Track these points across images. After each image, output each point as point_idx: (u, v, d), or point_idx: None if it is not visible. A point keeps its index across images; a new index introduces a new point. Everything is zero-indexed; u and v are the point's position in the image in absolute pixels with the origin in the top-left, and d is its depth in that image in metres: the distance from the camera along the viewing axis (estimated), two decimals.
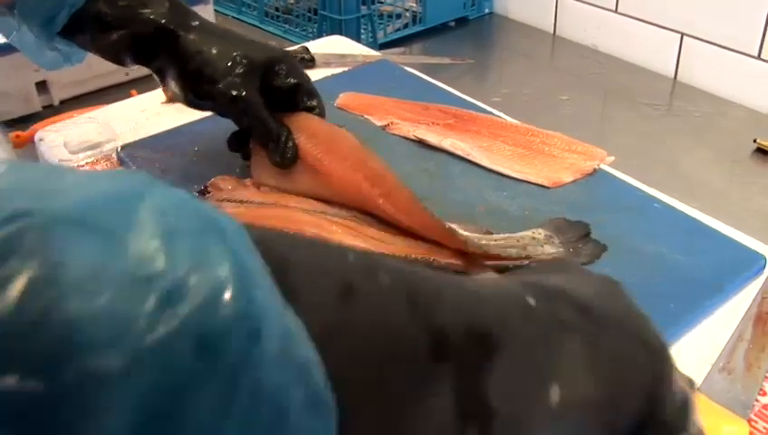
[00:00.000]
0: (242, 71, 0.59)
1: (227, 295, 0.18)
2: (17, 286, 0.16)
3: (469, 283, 0.29)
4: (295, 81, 0.64)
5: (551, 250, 0.57)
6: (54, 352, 0.15)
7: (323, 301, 0.22)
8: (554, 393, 0.26)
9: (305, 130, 0.62)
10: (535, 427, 0.26)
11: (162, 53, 0.60)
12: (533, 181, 0.66)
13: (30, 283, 0.16)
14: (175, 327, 0.16)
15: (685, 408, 0.32)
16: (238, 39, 0.62)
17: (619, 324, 0.31)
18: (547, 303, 0.28)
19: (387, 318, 0.23)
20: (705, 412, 0.45)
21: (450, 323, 0.25)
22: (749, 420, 0.45)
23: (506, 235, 0.58)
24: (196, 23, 0.61)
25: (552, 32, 1.25)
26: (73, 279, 0.16)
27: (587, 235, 0.59)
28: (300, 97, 0.65)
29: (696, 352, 0.50)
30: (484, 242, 0.56)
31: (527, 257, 0.56)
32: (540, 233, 0.58)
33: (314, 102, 0.66)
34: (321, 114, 0.66)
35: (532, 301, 0.28)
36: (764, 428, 0.45)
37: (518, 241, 0.57)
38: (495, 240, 0.57)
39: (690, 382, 0.34)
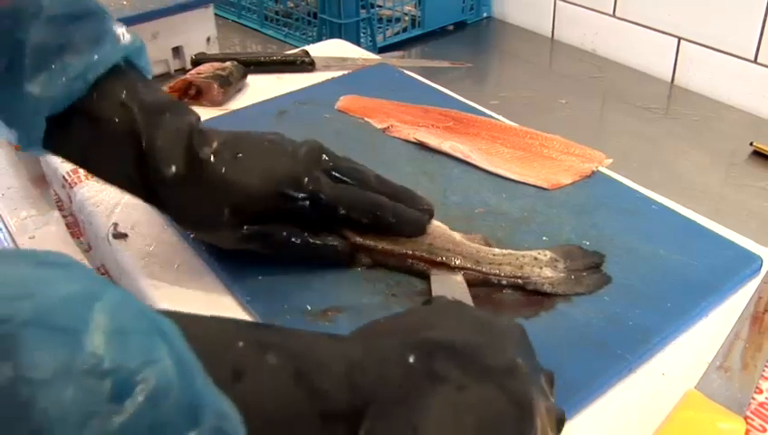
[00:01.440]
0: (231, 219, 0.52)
1: (173, 388, 0.21)
2: None
3: (354, 349, 0.33)
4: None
5: (549, 274, 0.55)
6: None
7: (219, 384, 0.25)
8: None
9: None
10: None
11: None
12: (532, 183, 0.67)
13: (8, 382, 0.19)
14: (128, 417, 0.20)
15: None
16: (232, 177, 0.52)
17: (491, 374, 0.33)
18: (425, 357, 0.32)
19: (274, 392, 0.28)
20: (702, 410, 0.46)
21: (333, 391, 0.29)
22: (745, 418, 0.46)
23: (508, 251, 0.57)
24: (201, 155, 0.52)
25: (549, 36, 1.26)
26: (43, 377, 0.19)
27: (597, 266, 0.57)
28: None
29: (693, 351, 0.51)
30: (482, 254, 0.56)
31: (522, 277, 0.55)
32: (545, 255, 0.56)
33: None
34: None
35: (411, 358, 0.31)
36: (761, 425, 0.46)
37: (517, 259, 0.56)
38: (494, 254, 0.56)
39: (560, 422, 0.37)
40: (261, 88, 0.87)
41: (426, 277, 0.55)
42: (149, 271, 0.58)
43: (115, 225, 0.63)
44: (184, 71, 1.03)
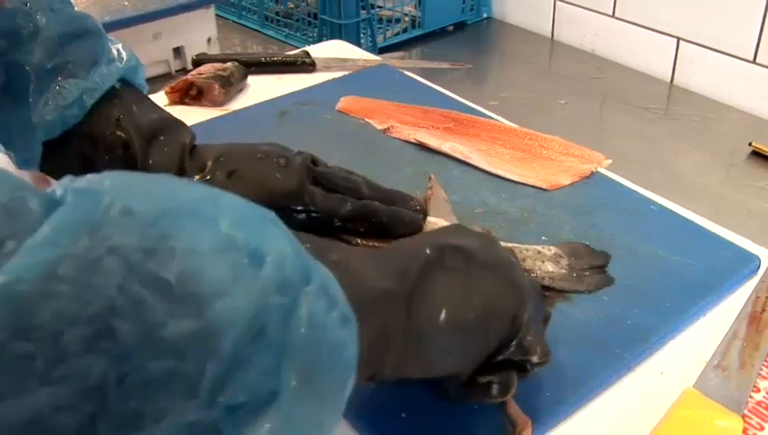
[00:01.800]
0: None
1: (289, 257, 0.27)
2: (177, 261, 0.25)
3: (390, 248, 0.42)
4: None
5: (551, 269, 0.56)
6: (201, 301, 0.24)
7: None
8: (442, 314, 0.37)
9: None
10: (432, 339, 0.37)
11: None
12: (532, 184, 0.67)
13: (181, 259, 0.25)
14: (265, 279, 0.26)
15: (538, 336, 0.42)
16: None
17: (491, 266, 0.41)
18: (439, 251, 0.39)
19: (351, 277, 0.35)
20: (700, 408, 0.46)
21: (386, 278, 0.36)
22: (743, 416, 0.46)
23: (513, 244, 0.57)
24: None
25: (549, 36, 1.26)
26: (200, 254, 0.25)
27: (602, 266, 0.57)
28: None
29: (691, 350, 0.51)
30: None
31: (523, 270, 0.55)
32: (550, 250, 0.57)
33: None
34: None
35: (428, 251, 0.39)
36: (758, 423, 0.46)
37: (521, 252, 0.56)
38: None
39: (545, 319, 0.46)
40: (262, 88, 0.87)
41: None
42: None
43: None
44: (185, 71, 1.03)
